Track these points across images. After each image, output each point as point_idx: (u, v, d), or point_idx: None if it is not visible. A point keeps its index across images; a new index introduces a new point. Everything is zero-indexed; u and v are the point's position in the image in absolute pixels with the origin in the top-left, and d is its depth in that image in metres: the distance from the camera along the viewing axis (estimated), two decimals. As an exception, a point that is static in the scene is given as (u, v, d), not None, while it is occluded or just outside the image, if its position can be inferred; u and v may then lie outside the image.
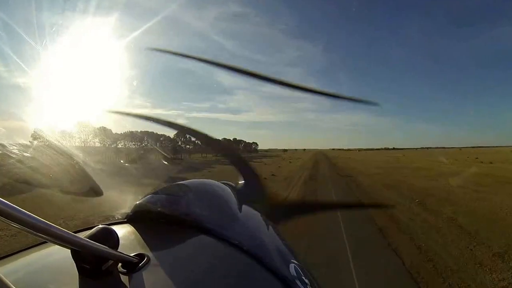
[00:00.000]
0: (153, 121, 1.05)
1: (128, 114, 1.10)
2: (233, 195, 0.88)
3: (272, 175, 15.90)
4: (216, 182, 0.96)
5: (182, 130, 1.07)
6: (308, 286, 0.62)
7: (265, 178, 13.92)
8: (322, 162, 31.17)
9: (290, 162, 32.76)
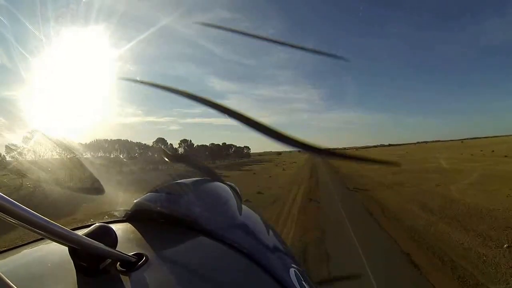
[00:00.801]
0: (167, 90, 0.85)
1: (142, 82, 1.02)
2: (233, 196, 0.86)
3: (258, 193, 11.83)
4: (217, 182, 0.94)
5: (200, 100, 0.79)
6: None
7: (247, 201, 9.80)
8: (321, 168, 26.70)
9: (283, 170, 28.61)
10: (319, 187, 12.96)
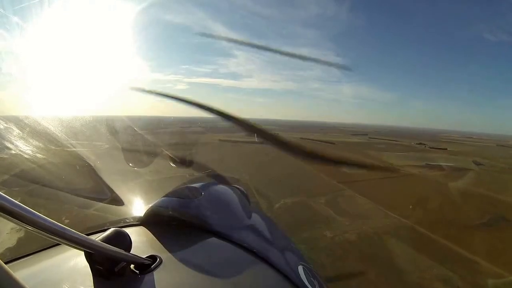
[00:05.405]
0: (180, 101, 1.00)
1: (152, 93, 1.06)
2: (243, 199, 0.90)
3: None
4: (225, 185, 0.99)
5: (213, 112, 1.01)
6: (316, 287, 0.64)
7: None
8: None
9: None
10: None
